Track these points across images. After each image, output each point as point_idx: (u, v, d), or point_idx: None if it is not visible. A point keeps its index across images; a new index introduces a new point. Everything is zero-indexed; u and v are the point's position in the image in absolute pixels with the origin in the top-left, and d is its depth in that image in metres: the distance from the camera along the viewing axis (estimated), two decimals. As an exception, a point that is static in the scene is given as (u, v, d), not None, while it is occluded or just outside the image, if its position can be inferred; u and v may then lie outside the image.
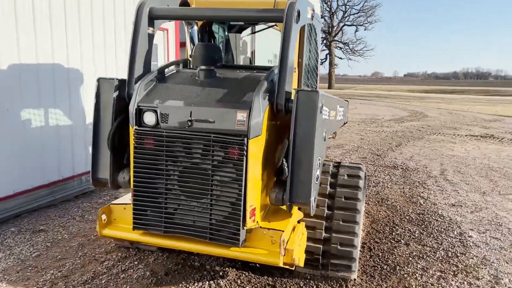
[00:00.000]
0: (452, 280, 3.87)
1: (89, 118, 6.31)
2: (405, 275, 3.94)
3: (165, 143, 3.07)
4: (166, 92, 3.20)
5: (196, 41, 3.96)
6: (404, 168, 8.45)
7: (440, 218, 5.50)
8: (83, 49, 6.11)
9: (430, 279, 3.88)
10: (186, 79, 3.40)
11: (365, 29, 61.62)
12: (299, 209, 3.52)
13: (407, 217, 5.50)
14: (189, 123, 3.00)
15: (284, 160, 3.03)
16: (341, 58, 63.33)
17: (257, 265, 3.95)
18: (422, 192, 6.70)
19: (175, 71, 3.62)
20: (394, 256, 4.34)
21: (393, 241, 4.72)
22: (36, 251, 4.25)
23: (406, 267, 4.09)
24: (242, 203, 2.97)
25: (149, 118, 3.11)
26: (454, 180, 7.52)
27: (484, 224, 5.36)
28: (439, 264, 4.18)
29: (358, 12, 57.31)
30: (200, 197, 3.06)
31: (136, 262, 4.02)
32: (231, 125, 2.95)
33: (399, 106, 26.43)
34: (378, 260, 4.23)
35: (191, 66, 3.83)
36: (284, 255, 3.04)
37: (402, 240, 4.74)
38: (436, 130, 14.63)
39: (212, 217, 3.06)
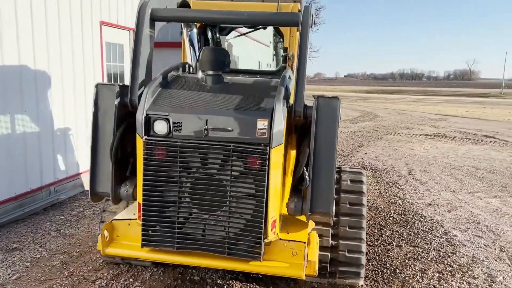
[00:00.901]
0: (452, 281, 3.95)
1: (57, 124, 5.88)
2: (406, 278, 3.97)
3: (179, 154, 2.86)
4: (176, 99, 3.00)
5: (195, 44, 3.76)
6: (373, 168, 8.63)
7: (422, 218, 5.64)
8: (51, 54, 5.68)
9: (431, 280, 3.95)
10: (193, 84, 3.21)
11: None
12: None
13: (391, 218, 5.59)
14: (206, 132, 2.83)
15: (304, 169, 2.93)
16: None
17: (260, 275, 3.83)
18: (398, 192, 6.86)
19: (175, 75, 3.41)
20: (390, 259, 4.37)
21: (385, 244, 4.76)
22: (15, 273, 3.86)
23: (405, 270, 4.13)
24: (263, 215, 2.84)
25: (160, 127, 2.89)
26: (423, 180, 7.78)
27: (463, 222, 5.56)
28: (435, 265, 4.27)
29: None
30: (216, 210, 2.89)
31: (131, 280, 3.75)
32: (251, 134, 2.80)
33: (348, 107, 27.16)
34: (377, 264, 4.24)
35: (192, 70, 3.63)
36: (307, 267, 2.95)
37: (393, 242, 4.80)
38: (391, 130, 15.15)
39: (230, 231, 2.90)
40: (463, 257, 4.47)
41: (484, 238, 5.03)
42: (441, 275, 4.06)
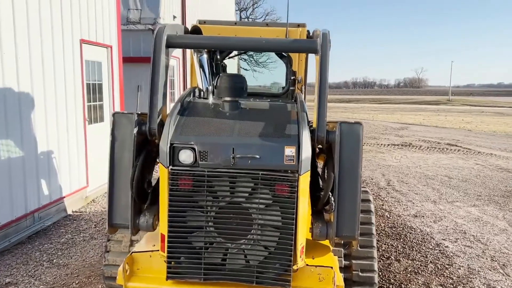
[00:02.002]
0: (456, 293, 4.11)
1: (41, 147, 5.63)
2: (416, 297, 4.08)
3: (207, 183, 2.82)
4: (199, 127, 2.95)
5: (206, 68, 3.72)
6: (353, 180, 8.80)
7: (412, 230, 5.82)
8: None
9: (437, 294, 4.08)
10: (212, 111, 3.18)
11: None
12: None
13: (383, 232, 5.73)
14: (233, 160, 2.80)
15: (330, 193, 2.96)
16: (246, 70, 64.71)
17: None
18: (383, 205, 7.05)
19: (191, 102, 3.36)
20: (393, 273, 4.48)
21: (384, 258, 4.87)
22: (15, 311, 3.65)
23: (410, 285, 4.25)
24: (292, 242, 2.83)
25: (184, 156, 2.83)
26: (403, 191, 8.03)
27: (451, 233, 5.78)
28: (436, 278, 4.41)
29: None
30: (244, 238, 2.87)
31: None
32: (279, 161, 2.80)
33: (310, 116, 27.59)
34: (381, 280, 4.33)
35: (203, 95, 3.59)
36: (335, 292, 2.96)
37: (391, 256, 4.92)
38: (359, 140, 15.51)
39: (258, 259, 2.87)
40: (460, 269, 4.65)
41: (474, 248, 5.25)
42: (444, 288, 4.21)
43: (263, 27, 3.97)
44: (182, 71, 13.23)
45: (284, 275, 2.86)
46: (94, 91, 7.26)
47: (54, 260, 4.67)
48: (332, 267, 3.01)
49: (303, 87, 3.89)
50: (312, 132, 2.97)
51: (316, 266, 3.02)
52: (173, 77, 12.44)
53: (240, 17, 44.20)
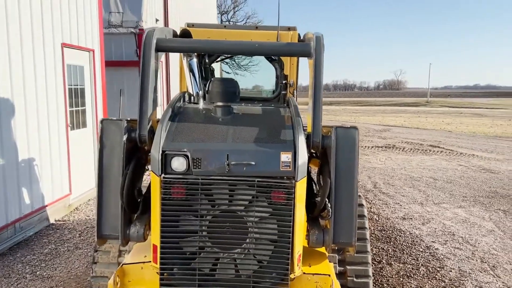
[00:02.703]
0: (449, 296, 4.10)
1: (22, 154, 5.43)
2: (409, 299, 4.06)
3: (201, 191, 2.73)
4: (191, 134, 2.86)
5: (196, 72, 3.62)
6: (339, 183, 8.80)
7: (401, 233, 5.82)
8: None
9: (430, 298, 4.06)
10: (204, 117, 3.09)
11: None
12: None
13: (373, 235, 5.71)
14: (228, 167, 2.72)
15: (327, 200, 2.91)
16: (228, 73, 64.53)
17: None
18: (371, 208, 7.05)
19: (181, 107, 3.27)
20: (385, 278, 4.45)
21: (376, 262, 4.84)
22: (-2, 328, 3.48)
23: (403, 289, 4.23)
24: (289, 250, 2.77)
25: (177, 164, 2.73)
26: (390, 193, 8.06)
27: (440, 235, 5.80)
28: (429, 281, 4.40)
29: None
30: (240, 247, 2.78)
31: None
32: (275, 167, 2.73)
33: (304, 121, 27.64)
34: (374, 285, 4.29)
35: (194, 100, 3.50)
36: (334, 300, 2.91)
37: (383, 260, 4.90)
38: (343, 142, 15.57)
39: (254, 268, 2.79)
40: (451, 271, 4.65)
41: (463, 250, 5.27)
42: (437, 291, 4.20)
43: (253, 30, 3.90)
44: (166, 76, 13.08)
45: (281, 284, 2.79)
46: (76, 96, 7.07)
47: (38, 272, 4.49)
48: (329, 275, 2.96)
49: (295, 91, 3.83)
50: (307, 137, 2.91)
51: (313, 274, 2.96)
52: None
53: (221, 20, 44.07)
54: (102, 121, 2.88)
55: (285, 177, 2.72)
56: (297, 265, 2.82)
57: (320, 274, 2.95)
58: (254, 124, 2.99)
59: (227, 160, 2.72)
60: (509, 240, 5.65)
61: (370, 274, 3.69)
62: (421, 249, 5.25)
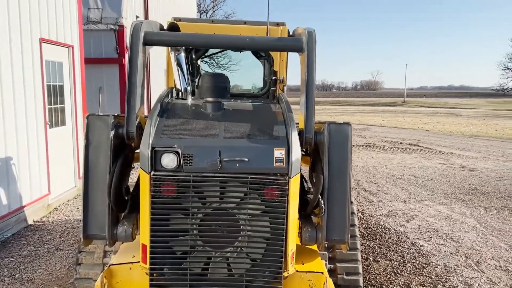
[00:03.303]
0: (437, 292, 4.12)
1: (-2, 153, 5.24)
2: (398, 297, 4.06)
3: (192, 189, 2.65)
4: (182, 130, 2.78)
5: (184, 67, 3.53)
6: (323, 182, 8.82)
7: (386, 230, 5.85)
8: None
9: (418, 294, 4.08)
10: (194, 112, 3.01)
11: None
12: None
13: (359, 233, 5.71)
14: (220, 164, 2.65)
15: (320, 196, 2.87)
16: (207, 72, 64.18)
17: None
18: (354, 205, 7.06)
19: (170, 102, 3.18)
20: (373, 275, 4.45)
21: (363, 259, 4.84)
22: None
23: (391, 285, 4.23)
24: (283, 248, 2.72)
25: (167, 161, 2.65)
26: (373, 191, 8.11)
27: (424, 232, 5.85)
28: (416, 278, 4.42)
29: None
30: (232, 245, 2.72)
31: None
32: (269, 164, 2.67)
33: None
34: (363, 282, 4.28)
35: (182, 95, 3.42)
36: (327, 298, 2.87)
37: (369, 257, 4.90)
38: (324, 141, 15.67)
39: (247, 267, 2.74)
40: (437, 267, 4.69)
41: (447, 246, 5.32)
42: (424, 287, 4.21)
43: (241, 25, 3.84)
44: (145, 72, 12.86)
45: (275, 282, 2.74)
46: (55, 93, 6.87)
47: (17, 275, 4.32)
48: (322, 273, 2.92)
49: (285, 87, 3.78)
50: (299, 133, 2.87)
51: (306, 272, 2.92)
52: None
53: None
54: (88, 117, 2.77)
55: (278, 174, 2.67)
56: (291, 263, 2.78)
57: (314, 272, 2.92)
58: (246, 120, 2.93)
59: (219, 156, 2.65)
60: (491, 236, 5.75)
61: (360, 271, 3.68)
62: (406, 246, 5.28)
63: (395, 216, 6.54)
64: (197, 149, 2.66)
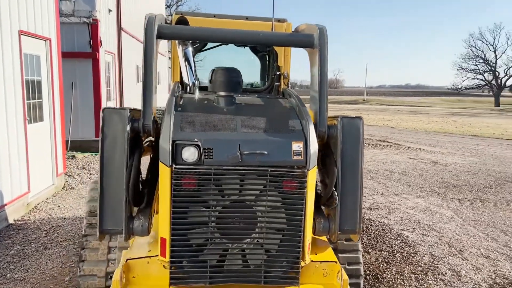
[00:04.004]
0: (429, 279, 4.31)
1: (-20, 150, 5.02)
2: (390, 282, 4.22)
3: (213, 182, 2.67)
4: (200, 123, 2.78)
5: (191, 61, 3.52)
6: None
7: (372, 222, 6.04)
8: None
9: (412, 282, 4.25)
10: (208, 107, 3.02)
11: None
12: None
13: (346, 225, 5.88)
14: (241, 157, 2.68)
15: (334, 188, 2.95)
16: (170, 67, 63.42)
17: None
18: (337, 199, 7.23)
19: (182, 97, 3.18)
20: (366, 265, 4.60)
21: (354, 251, 4.99)
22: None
23: (384, 274, 4.39)
24: (301, 238, 2.79)
25: (188, 154, 2.65)
26: (352, 185, 8.32)
27: (407, 223, 6.09)
28: (406, 266, 4.61)
29: None
30: (252, 238, 2.77)
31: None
32: (287, 157, 2.73)
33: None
34: (357, 272, 4.43)
35: (190, 90, 3.41)
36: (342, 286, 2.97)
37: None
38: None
39: (267, 258, 2.79)
40: (424, 256, 4.90)
41: (431, 236, 5.57)
42: (416, 275, 4.40)
43: (243, 20, 3.86)
44: (118, 68, 12.61)
45: (292, 272, 2.81)
46: (33, 88, 6.63)
47: (8, 275, 4.18)
48: (336, 262, 3.02)
49: (289, 83, 3.84)
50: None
51: (321, 261, 3.00)
52: (109, 74, 11.81)
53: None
54: (103, 110, 2.73)
55: (296, 167, 2.74)
56: (307, 253, 2.85)
57: (328, 261, 3.00)
58: (260, 114, 2.97)
59: (239, 150, 2.68)
60: (469, 226, 6.05)
61: (361, 261, 3.81)
62: (392, 237, 5.48)
63: (377, 209, 6.76)
64: (217, 143, 2.68)
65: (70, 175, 8.34)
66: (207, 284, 2.74)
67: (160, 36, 2.92)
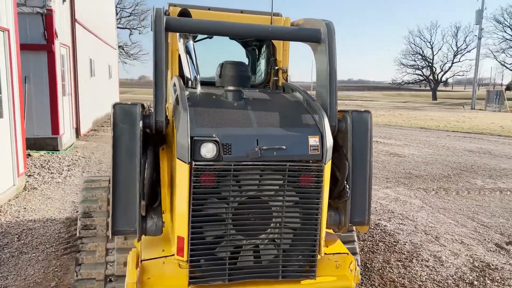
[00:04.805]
0: (415, 266, 4.50)
1: None
2: (380, 271, 4.36)
3: (233, 178, 2.63)
4: (214, 119, 2.72)
5: (193, 55, 3.41)
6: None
7: (349, 214, 6.20)
8: None
9: (400, 269, 4.41)
10: (219, 102, 2.96)
11: (139, 33, 60.23)
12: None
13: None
14: (260, 152, 2.65)
15: (345, 182, 3.00)
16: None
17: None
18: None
19: (189, 92, 3.09)
20: (354, 255, 4.72)
21: (339, 242, 5.10)
22: None
23: (373, 263, 4.53)
24: (318, 232, 2.82)
25: (206, 151, 2.59)
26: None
27: (382, 213, 6.30)
28: (392, 255, 4.77)
29: (130, 15, 55.30)
30: (268, 233, 2.76)
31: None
32: (305, 151, 2.74)
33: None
34: (347, 262, 4.53)
35: (192, 84, 3.32)
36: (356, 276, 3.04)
37: (344, 240, 5.18)
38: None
39: (285, 253, 2.79)
40: (406, 244, 5.11)
41: (407, 225, 5.81)
42: (402, 263, 4.58)
43: (238, 14, 3.80)
44: (72, 61, 12.03)
45: (310, 265, 2.83)
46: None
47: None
48: (348, 253, 3.07)
49: (288, 77, 3.84)
50: None
51: (333, 254, 3.05)
52: (63, 68, 11.23)
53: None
54: (114, 106, 2.60)
55: (313, 161, 2.75)
56: (323, 247, 2.89)
57: (340, 253, 3.05)
58: (271, 109, 2.96)
59: (257, 144, 2.66)
60: (438, 213, 6.37)
61: (358, 251, 3.91)
62: (372, 227, 5.66)
63: (351, 200, 6.93)
64: (235, 138, 2.64)
65: (30, 175, 7.87)
66: (225, 281, 2.70)
67: (168, 28, 2.82)
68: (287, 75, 3.77)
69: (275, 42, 3.82)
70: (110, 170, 2.61)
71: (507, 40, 56.04)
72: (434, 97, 62.95)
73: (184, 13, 3.26)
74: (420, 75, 67.17)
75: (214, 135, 2.60)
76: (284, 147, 2.69)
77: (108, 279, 3.34)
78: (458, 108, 40.92)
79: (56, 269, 4.20)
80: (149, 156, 2.67)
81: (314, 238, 2.81)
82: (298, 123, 2.85)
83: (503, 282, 4.20)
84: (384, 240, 5.21)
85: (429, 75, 66.71)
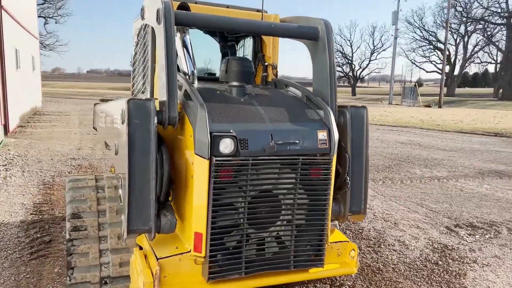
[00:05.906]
0: (384, 251, 4.80)
1: None
2: (379, 269, 4.61)
3: (250, 172, 2.66)
4: (228, 114, 2.74)
5: (190, 50, 3.34)
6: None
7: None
8: None
9: (372, 255, 4.70)
10: (226, 97, 2.97)
11: (56, 22, 56.05)
12: None
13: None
14: (275, 147, 2.72)
15: (346, 174, 3.16)
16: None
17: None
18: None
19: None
20: (327, 244, 4.94)
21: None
22: None
23: (366, 260, 4.76)
24: (326, 222, 2.95)
25: (224, 146, 2.61)
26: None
27: (340, 203, 6.61)
28: (361, 241, 5.05)
29: (44, 3, 51.17)
30: (284, 225, 2.85)
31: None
32: (315, 145, 2.86)
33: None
34: (323, 251, 4.73)
35: (190, 79, 3.28)
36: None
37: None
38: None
39: (296, 244, 2.89)
40: (370, 231, 5.43)
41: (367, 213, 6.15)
42: (372, 248, 4.87)
43: (224, 8, 3.80)
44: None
45: (319, 254, 2.97)
46: None
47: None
48: (348, 241, 3.25)
49: (278, 73, 3.90)
50: None
51: (335, 242, 3.20)
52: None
53: None
54: (128, 101, 2.53)
55: (321, 154, 2.88)
56: (329, 236, 3.03)
57: (341, 241, 3.22)
58: (276, 105, 3.03)
59: (272, 139, 2.73)
60: (391, 201, 6.83)
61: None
62: (357, 228, 5.92)
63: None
64: (251, 133, 2.69)
65: (-35, 176, 7.18)
66: (242, 275, 2.75)
67: (177, 22, 2.79)
68: (277, 71, 3.85)
69: (265, 38, 3.88)
70: (124, 168, 2.53)
71: (417, 40, 60.84)
72: (354, 93, 66.44)
73: (183, 6, 3.21)
74: (340, 71, 70.43)
75: (231, 131, 2.62)
76: (297, 141, 2.79)
77: (104, 281, 3.22)
78: (376, 103, 43.61)
79: (28, 276, 3.92)
80: (164, 152, 2.63)
81: (322, 228, 2.94)
82: (305, 118, 2.95)
83: (462, 260, 4.64)
84: (350, 228, 5.50)
85: (349, 71, 70.22)
